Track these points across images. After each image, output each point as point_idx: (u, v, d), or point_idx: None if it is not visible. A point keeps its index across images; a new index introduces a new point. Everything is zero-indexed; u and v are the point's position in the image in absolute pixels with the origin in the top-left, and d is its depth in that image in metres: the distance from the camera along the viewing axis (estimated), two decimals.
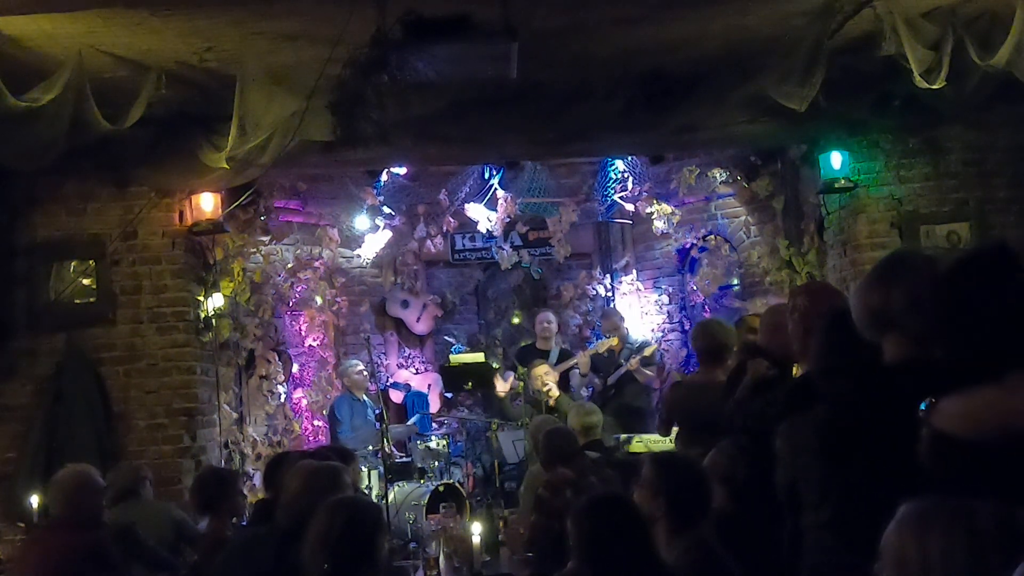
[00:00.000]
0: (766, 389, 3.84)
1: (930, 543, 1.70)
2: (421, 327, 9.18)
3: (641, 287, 9.19)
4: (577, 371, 8.39)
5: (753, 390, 3.94)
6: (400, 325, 9.18)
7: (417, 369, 9.17)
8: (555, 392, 7.95)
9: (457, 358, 8.54)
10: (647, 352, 8.04)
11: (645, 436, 7.23)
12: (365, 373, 8.05)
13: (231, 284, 6.81)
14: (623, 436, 7.36)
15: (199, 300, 6.54)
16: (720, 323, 5.46)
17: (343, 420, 7.79)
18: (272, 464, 4.55)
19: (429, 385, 8.99)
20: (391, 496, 6.75)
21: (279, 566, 3.28)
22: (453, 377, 8.47)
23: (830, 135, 6.39)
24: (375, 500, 6.60)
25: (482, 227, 8.77)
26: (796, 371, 4.13)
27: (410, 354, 9.23)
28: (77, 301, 6.27)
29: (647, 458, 3.45)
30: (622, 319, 8.58)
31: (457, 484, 7.14)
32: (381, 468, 6.86)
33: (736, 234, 8.26)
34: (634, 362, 7.91)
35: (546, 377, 8.00)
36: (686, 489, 3.19)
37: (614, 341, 8.37)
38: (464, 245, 9.23)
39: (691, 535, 3.13)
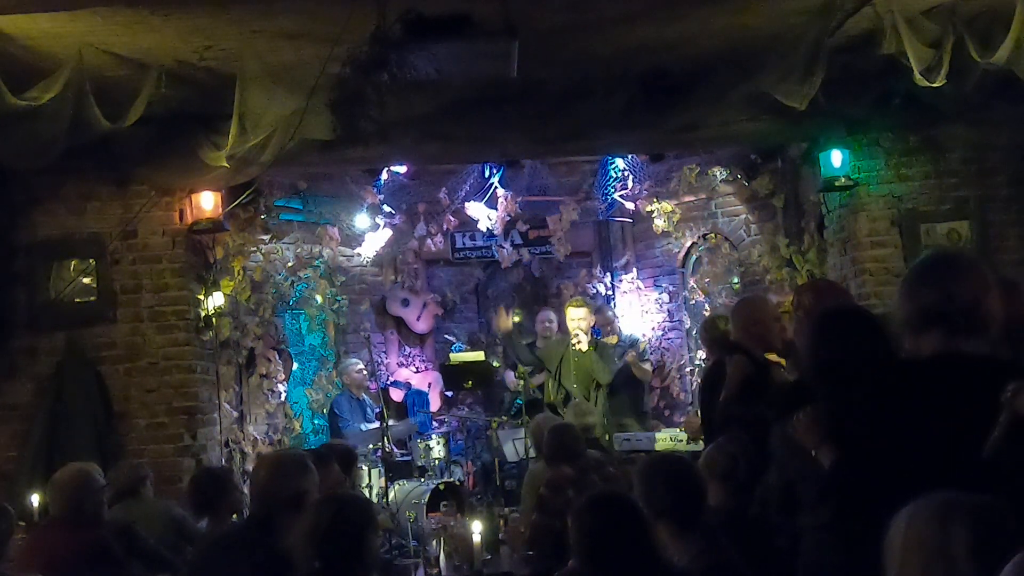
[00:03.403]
0: (757, 388, 3.86)
1: (937, 537, 1.69)
2: (421, 326, 9.18)
3: (641, 285, 9.19)
4: None
5: (741, 388, 3.97)
6: (400, 324, 9.18)
7: (417, 368, 9.16)
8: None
9: (457, 356, 8.54)
10: (639, 348, 7.98)
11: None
12: (365, 372, 8.06)
13: (231, 283, 6.80)
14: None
15: (199, 299, 6.54)
16: (725, 317, 5.61)
17: (344, 415, 7.80)
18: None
19: (429, 384, 8.99)
20: (391, 494, 6.77)
21: (253, 555, 3.23)
22: (453, 376, 8.46)
23: (830, 133, 6.39)
24: (374, 498, 6.62)
25: (482, 225, 8.76)
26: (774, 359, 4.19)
27: (410, 353, 9.23)
28: (77, 300, 6.26)
29: (638, 462, 3.47)
30: (616, 316, 8.53)
31: (457, 483, 7.14)
32: (382, 467, 6.86)
33: (736, 232, 8.26)
34: (631, 355, 7.88)
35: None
36: (676, 490, 3.17)
37: (613, 339, 8.36)
38: (464, 243, 9.22)
39: (698, 536, 3.11)
